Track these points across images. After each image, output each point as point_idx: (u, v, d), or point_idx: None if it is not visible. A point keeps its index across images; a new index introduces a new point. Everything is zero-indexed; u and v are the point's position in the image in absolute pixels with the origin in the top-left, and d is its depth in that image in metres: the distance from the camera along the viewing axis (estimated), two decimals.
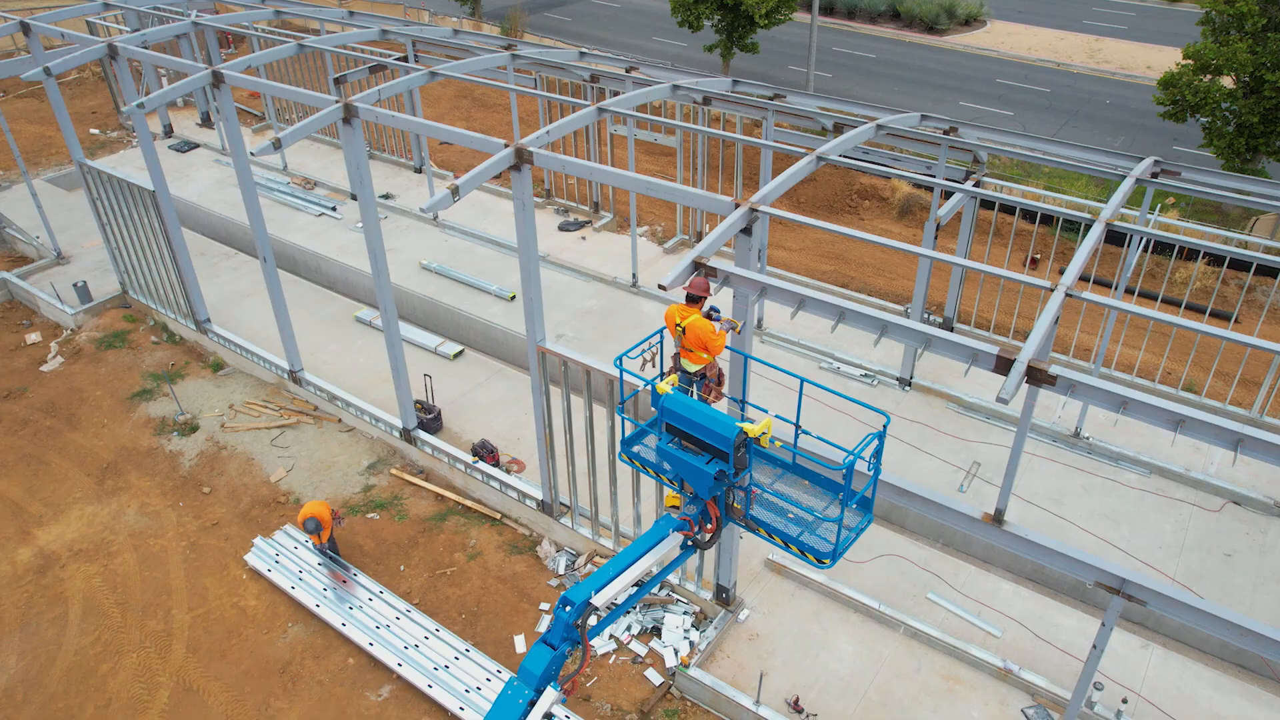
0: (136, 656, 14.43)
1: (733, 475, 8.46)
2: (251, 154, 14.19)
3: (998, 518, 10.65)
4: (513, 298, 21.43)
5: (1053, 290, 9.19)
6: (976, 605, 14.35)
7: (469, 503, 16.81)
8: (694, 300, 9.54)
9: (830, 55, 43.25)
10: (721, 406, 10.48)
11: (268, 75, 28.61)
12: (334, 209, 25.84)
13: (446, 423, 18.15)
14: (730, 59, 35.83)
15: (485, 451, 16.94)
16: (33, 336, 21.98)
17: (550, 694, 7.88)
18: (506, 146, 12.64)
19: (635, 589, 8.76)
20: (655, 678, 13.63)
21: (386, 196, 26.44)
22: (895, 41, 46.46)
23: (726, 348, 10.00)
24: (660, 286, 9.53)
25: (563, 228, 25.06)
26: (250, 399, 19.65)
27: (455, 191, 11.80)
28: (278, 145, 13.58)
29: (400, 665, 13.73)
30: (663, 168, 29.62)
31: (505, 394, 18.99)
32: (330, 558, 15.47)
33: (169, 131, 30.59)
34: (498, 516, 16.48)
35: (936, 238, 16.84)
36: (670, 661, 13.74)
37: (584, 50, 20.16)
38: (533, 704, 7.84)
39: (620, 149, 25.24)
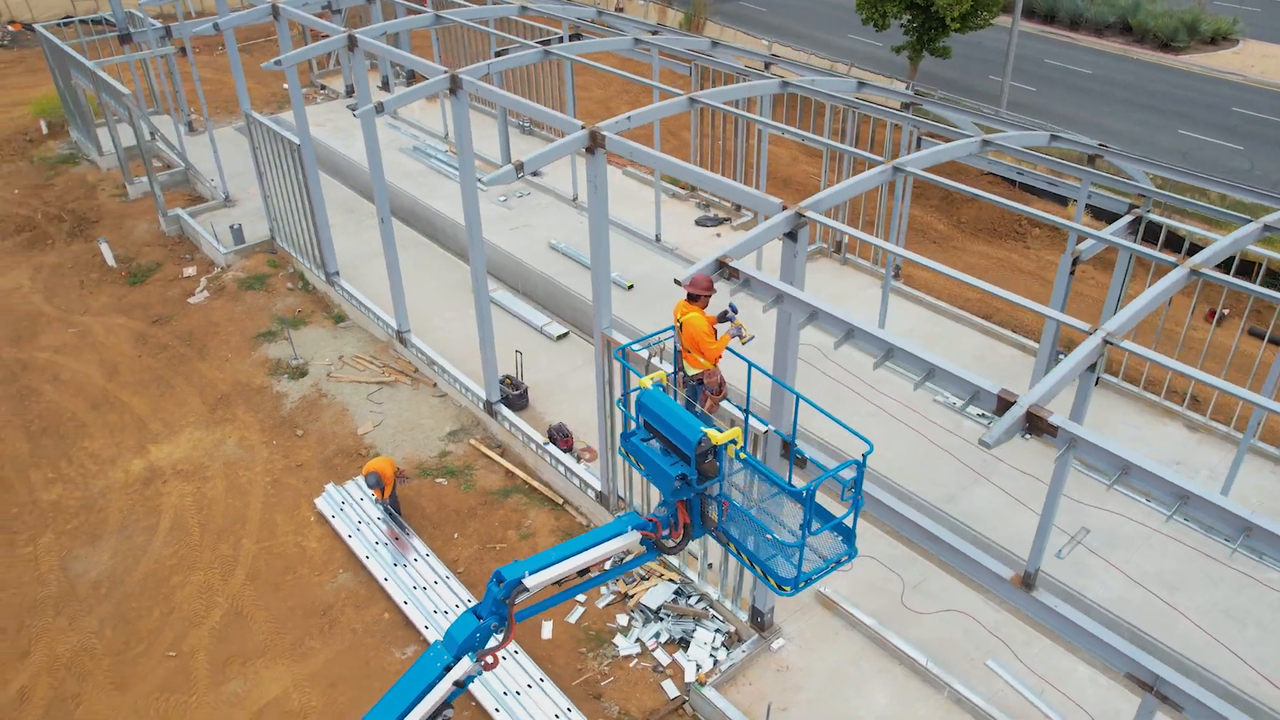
0: (203, 575, 15.79)
1: (695, 481, 8.37)
2: (380, 105, 15.03)
3: (1027, 582, 9.97)
4: (630, 287, 21.73)
5: (1089, 334, 8.50)
6: (1041, 683, 13.40)
7: (535, 484, 17.27)
8: (694, 299, 9.45)
9: (1040, 67, 41.00)
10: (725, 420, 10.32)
11: (412, 48, 30.19)
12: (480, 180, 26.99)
13: (533, 402, 18.68)
14: (918, 62, 34.68)
15: (560, 435, 17.34)
16: (189, 270, 24.29)
17: (465, 663, 8.12)
18: (583, 129, 12.91)
19: (582, 579, 8.83)
20: (672, 690, 13.60)
21: (536, 174, 27.37)
22: (1120, 58, 43.45)
23: (736, 354, 9.84)
24: (675, 282, 9.51)
25: (700, 222, 25.16)
26: (359, 353, 20.95)
27: (520, 168, 12.18)
28: (380, 109, 14.41)
29: (426, 628, 14.35)
30: (805, 162, 29.09)
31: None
32: (390, 514, 16.32)
33: (350, 91, 32.86)
34: (559, 501, 16.85)
35: (1072, 273, 15.76)
36: (689, 676, 13.67)
37: (715, 41, 20.14)
38: (448, 669, 8.09)
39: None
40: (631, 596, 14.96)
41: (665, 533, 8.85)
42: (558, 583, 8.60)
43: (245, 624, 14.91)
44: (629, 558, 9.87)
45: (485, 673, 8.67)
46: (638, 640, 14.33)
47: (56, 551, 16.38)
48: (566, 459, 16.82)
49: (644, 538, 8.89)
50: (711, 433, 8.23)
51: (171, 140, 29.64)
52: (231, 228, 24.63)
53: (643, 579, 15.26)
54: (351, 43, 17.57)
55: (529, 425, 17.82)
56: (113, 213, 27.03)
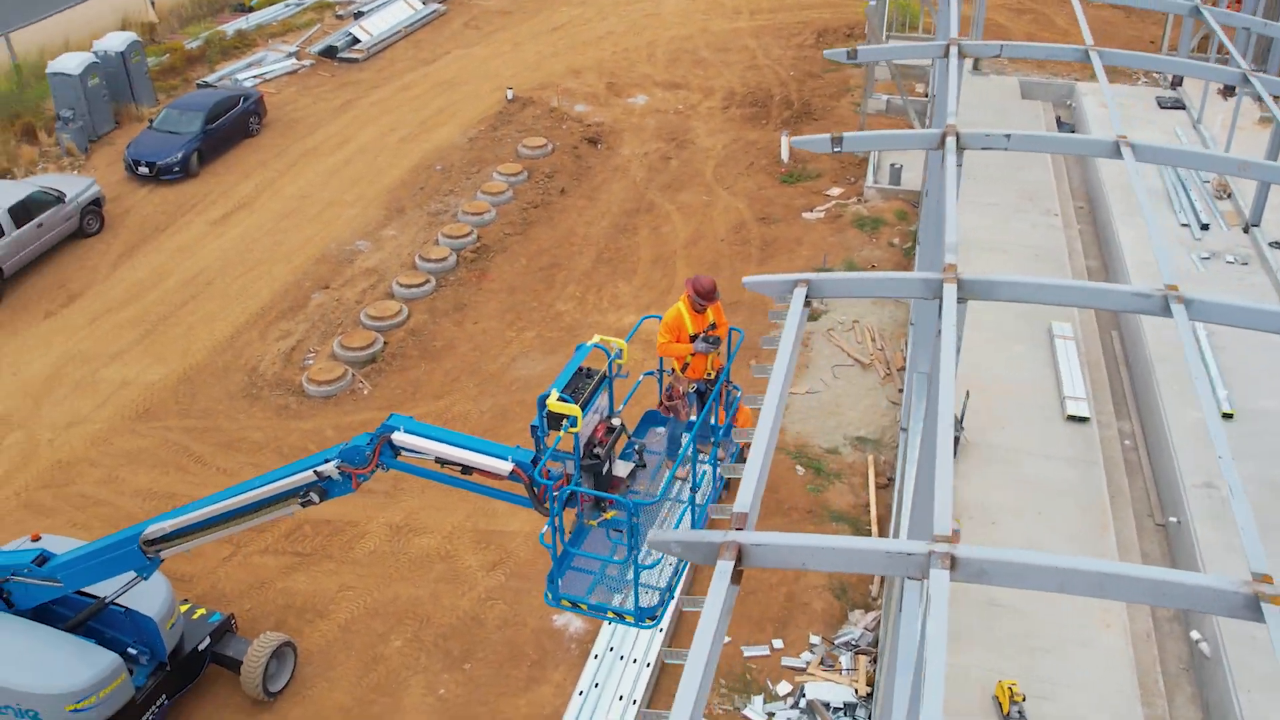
0: None
1: (539, 440, 8.99)
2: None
3: None
4: None
5: None
6: None
7: (873, 527, 16.99)
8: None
9: None
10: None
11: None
12: None
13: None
14: None
15: None
16: (834, 190, 27.21)
17: (331, 465, 10.22)
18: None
19: (464, 476, 9.92)
20: None
21: None
22: None
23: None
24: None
25: None
26: (872, 328, 21.85)
27: (838, 141, 12.26)
28: None
29: None
30: None
31: None
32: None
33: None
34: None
35: None
36: None
37: None
38: (323, 461, 10.32)
39: None
40: (806, 667, 14.56)
41: (543, 482, 9.37)
42: (441, 462, 9.97)
43: None
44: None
45: (345, 487, 10.55)
46: (769, 714, 14.06)
47: None
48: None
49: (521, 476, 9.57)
50: (552, 398, 8.66)
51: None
52: (892, 166, 26.66)
53: (826, 665, 14.59)
54: None
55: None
56: (839, 119, 30.96)
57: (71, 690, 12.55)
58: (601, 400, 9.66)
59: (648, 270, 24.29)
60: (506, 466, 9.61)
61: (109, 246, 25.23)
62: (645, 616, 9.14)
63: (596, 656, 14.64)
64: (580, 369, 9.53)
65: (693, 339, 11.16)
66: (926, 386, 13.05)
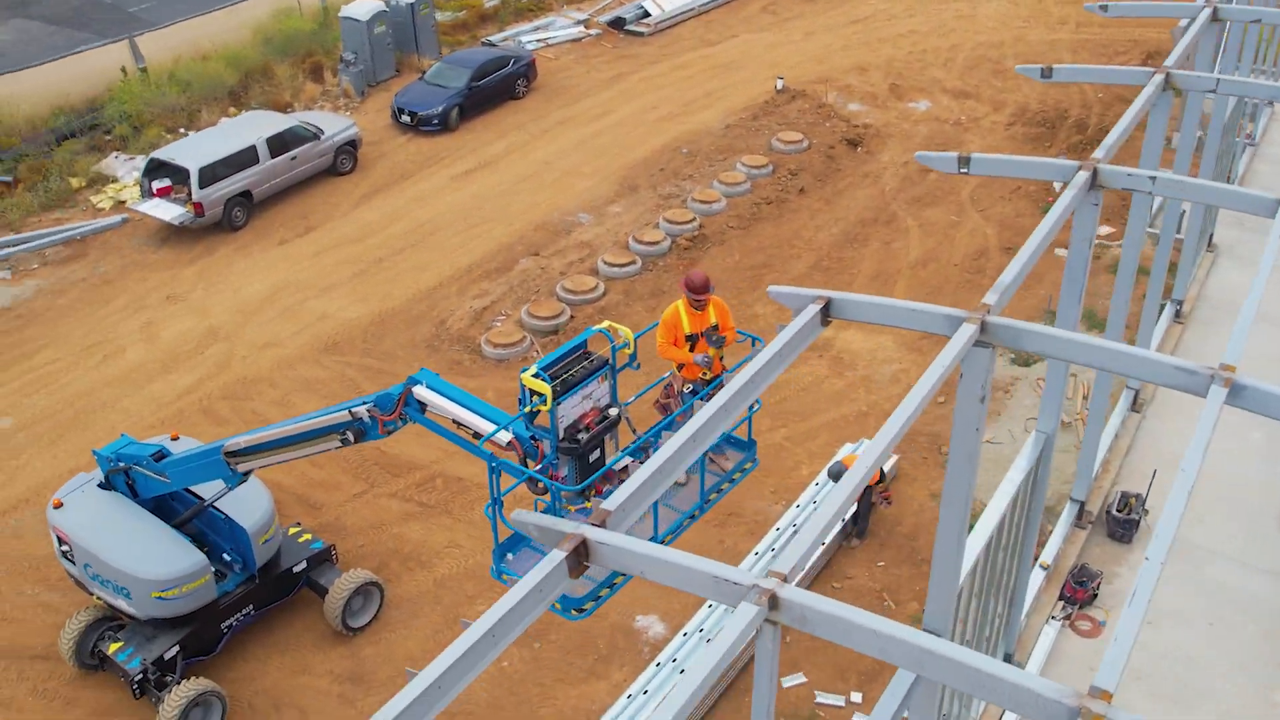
0: None
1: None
2: None
3: None
4: None
5: None
6: None
7: None
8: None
9: None
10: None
11: None
12: None
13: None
14: None
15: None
16: None
17: (363, 409, 11.22)
18: None
19: (472, 439, 10.57)
20: None
21: None
22: None
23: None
24: None
25: None
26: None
27: (965, 162, 11.83)
28: None
29: None
30: None
31: None
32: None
33: None
34: None
35: None
36: None
37: None
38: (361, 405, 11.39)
39: None
40: None
41: (535, 465, 9.86)
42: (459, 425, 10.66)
43: None
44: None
45: (375, 433, 11.47)
46: None
47: None
48: None
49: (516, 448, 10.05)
50: (529, 373, 9.09)
51: None
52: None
53: None
54: None
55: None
56: (1135, 151, 28.96)
57: (158, 578, 14.29)
58: (597, 387, 9.94)
59: (864, 285, 23.94)
60: (504, 436, 10.12)
61: (355, 187, 27.82)
62: (571, 607, 9.37)
63: (659, 665, 14.88)
64: (583, 353, 9.86)
65: (689, 339, 11.15)
66: (1040, 448, 12.39)
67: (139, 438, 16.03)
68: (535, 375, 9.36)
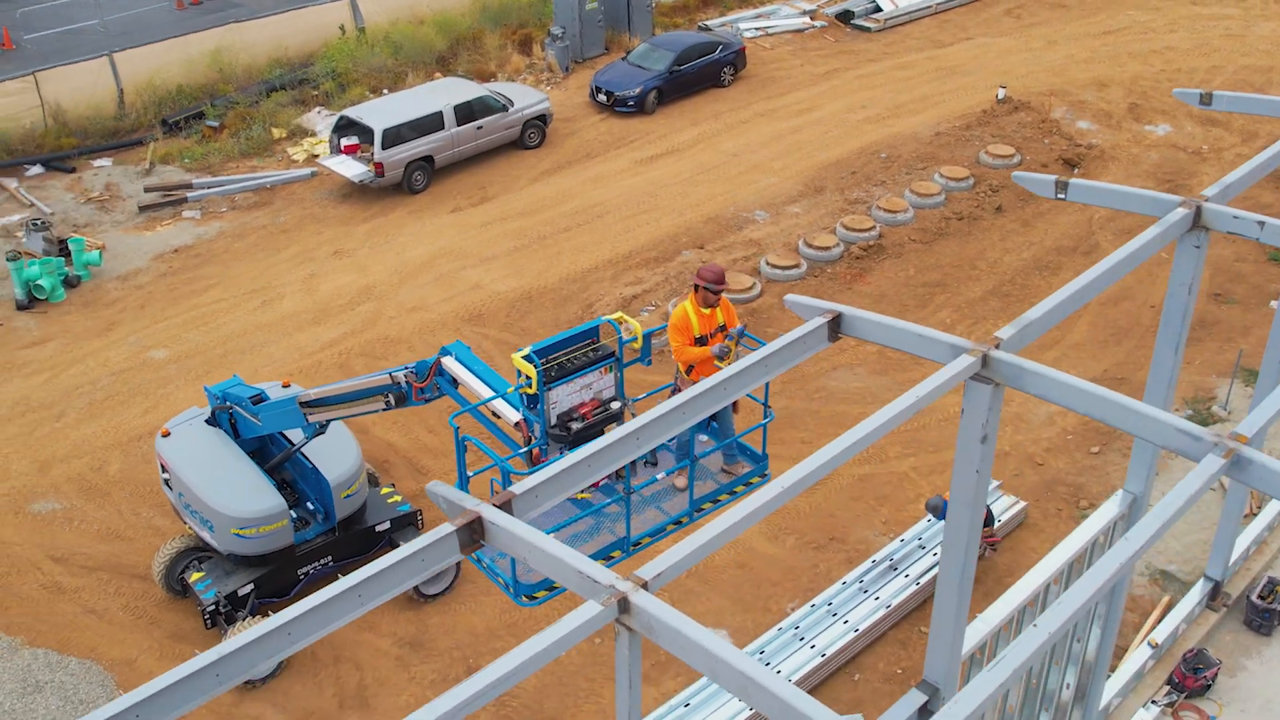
0: None
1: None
2: None
3: None
4: None
5: None
6: None
7: None
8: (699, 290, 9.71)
9: None
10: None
11: None
12: None
13: None
14: None
15: None
16: None
17: (401, 374, 11.94)
18: None
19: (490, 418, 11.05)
20: None
21: None
22: None
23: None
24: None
25: None
26: None
27: (1062, 187, 11.35)
28: None
29: None
30: None
31: None
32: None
33: None
34: None
35: None
36: None
37: None
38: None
39: None
40: None
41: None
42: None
43: None
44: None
45: (410, 399, 12.08)
46: None
47: None
48: None
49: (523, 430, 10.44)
50: (520, 354, 9.44)
51: None
52: None
53: None
54: None
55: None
56: None
57: (238, 516, 15.45)
58: (599, 378, 10.13)
59: None
60: (514, 416, 10.50)
61: (538, 162, 28.84)
62: (523, 594, 9.60)
63: (709, 681, 14.93)
64: (590, 342, 10.08)
65: (697, 341, 11.07)
66: (1122, 509, 11.79)
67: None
68: (525, 358, 9.66)
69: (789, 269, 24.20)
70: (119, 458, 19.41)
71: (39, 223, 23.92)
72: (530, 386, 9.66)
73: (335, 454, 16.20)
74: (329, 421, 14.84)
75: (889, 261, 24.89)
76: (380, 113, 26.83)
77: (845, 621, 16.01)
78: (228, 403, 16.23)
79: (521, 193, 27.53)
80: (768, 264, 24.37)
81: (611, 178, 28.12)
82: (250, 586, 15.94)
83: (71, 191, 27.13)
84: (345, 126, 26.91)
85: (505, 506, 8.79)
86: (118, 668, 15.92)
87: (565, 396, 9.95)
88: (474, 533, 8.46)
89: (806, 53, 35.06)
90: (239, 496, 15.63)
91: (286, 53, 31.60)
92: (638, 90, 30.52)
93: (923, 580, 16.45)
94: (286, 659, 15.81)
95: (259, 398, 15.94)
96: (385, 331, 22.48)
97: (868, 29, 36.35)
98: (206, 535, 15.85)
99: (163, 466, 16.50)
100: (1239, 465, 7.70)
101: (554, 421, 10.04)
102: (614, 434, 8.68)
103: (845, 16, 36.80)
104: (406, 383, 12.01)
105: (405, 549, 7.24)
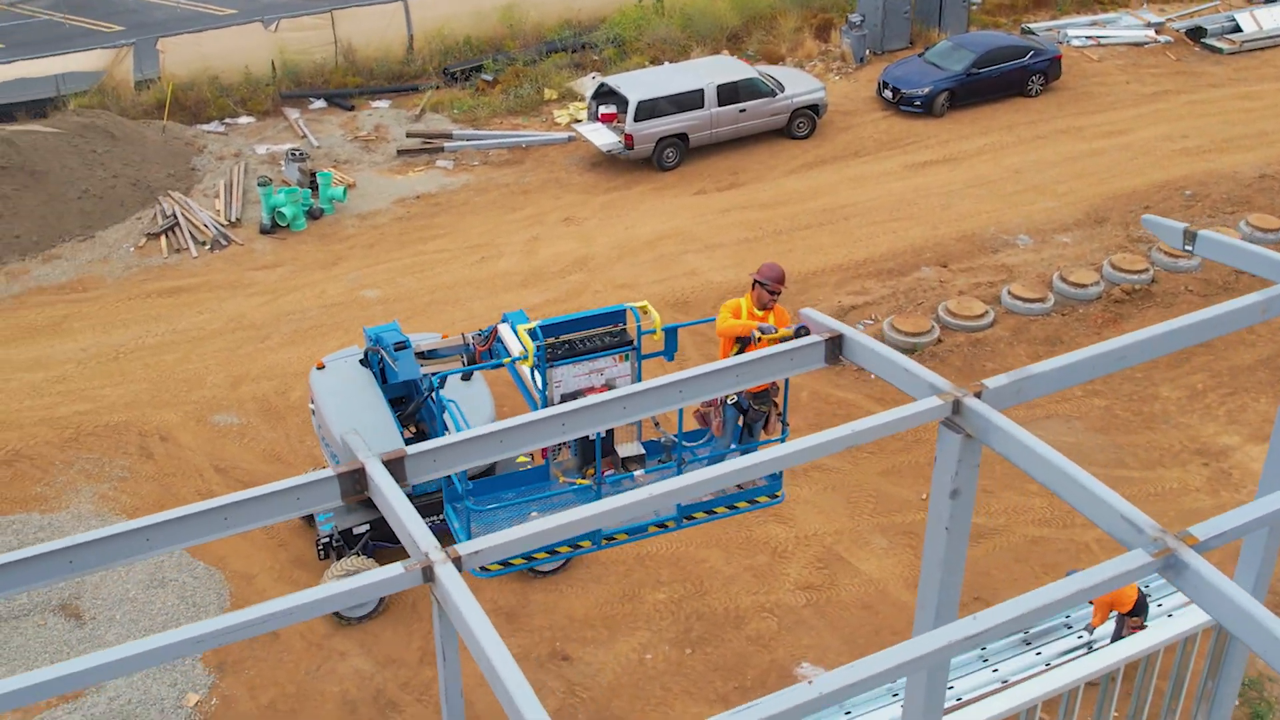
0: None
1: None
2: None
3: None
4: None
5: None
6: None
7: None
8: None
9: None
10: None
11: None
12: None
13: None
14: None
15: None
16: None
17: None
18: None
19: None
20: None
21: None
22: None
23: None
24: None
25: None
26: None
27: (1190, 238, 10.51)
28: None
29: None
30: None
31: None
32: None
33: None
34: None
35: None
36: None
37: None
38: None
39: None
40: None
41: None
42: None
43: None
44: None
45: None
46: None
47: None
48: None
49: None
50: (525, 326, 9.87)
51: None
52: None
53: None
54: None
55: None
56: None
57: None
58: (612, 365, 10.26)
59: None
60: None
61: (801, 153, 28.84)
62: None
63: None
64: (608, 328, 10.25)
65: (739, 342, 10.89)
66: None
67: None
68: (530, 332, 9.97)
69: (1032, 302, 23.09)
70: (303, 385, 21.20)
71: (297, 152, 26.36)
72: (527, 360, 9.98)
73: (470, 411, 17.09)
74: (445, 375, 15.71)
75: (1154, 310, 23.23)
76: (639, 84, 27.62)
77: (950, 687, 15.31)
78: (378, 345, 17.43)
79: (773, 183, 27.64)
80: (1009, 294, 23.35)
81: (873, 179, 27.73)
82: (366, 527, 17.09)
83: (344, 129, 29.66)
84: (605, 94, 27.91)
85: (395, 465, 9.27)
86: (236, 579, 17.54)
87: (572, 378, 10.19)
88: (356, 483, 9.02)
89: (1138, 69, 33.04)
90: (361, 434, 16.77)
91: (578, 15, 33.06)
92: (926, 90, 29.86)
93: (1053, 663, 15.45)
94: (387, 601, 16.94)
95: (402, 345, 17.02)
96: (585, 304, 23.22)
97: (1219, 50, 33.80)
98: (333, 468, 17.11)
99: (311, 398, 17.94)
100: (1173, 568, 7.10)
101: (557, 401, 10.31)
102: (599, 397, 8.94)
103: (1196, 33, 34.37)
104: (472, 345, 12.62)
105: (283, 483, 7.80)
